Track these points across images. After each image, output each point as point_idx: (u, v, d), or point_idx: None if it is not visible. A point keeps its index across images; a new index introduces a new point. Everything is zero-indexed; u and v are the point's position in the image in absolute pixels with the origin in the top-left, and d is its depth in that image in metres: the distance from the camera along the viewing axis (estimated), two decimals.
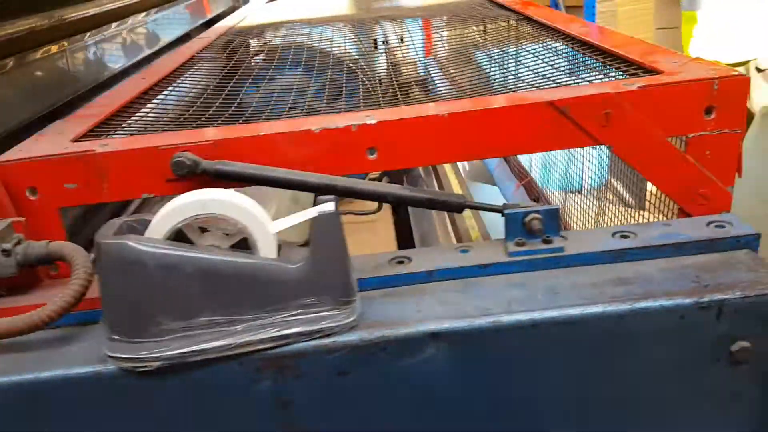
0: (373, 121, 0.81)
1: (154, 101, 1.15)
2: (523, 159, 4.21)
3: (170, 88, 1.22)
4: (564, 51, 1.14)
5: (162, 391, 0.72)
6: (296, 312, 0.70)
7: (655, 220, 1.02)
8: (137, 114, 1.06)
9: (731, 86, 0.80)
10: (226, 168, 0.79)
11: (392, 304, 0.76)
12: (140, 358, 0.69)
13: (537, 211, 0.80)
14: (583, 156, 5.46)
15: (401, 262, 0.82)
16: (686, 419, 0.75)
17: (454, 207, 0.82)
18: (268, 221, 0.70)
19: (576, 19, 1.37)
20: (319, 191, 0.79)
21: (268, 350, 0.70)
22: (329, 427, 0.75)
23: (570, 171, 4.53)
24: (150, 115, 1.05)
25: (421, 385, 0.73)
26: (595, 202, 5.91)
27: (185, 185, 0.80)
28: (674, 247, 0.79)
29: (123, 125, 0.99)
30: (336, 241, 0.69)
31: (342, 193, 0.80)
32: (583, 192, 5.57)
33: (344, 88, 1.19)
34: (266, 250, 0.70)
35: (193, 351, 0.69)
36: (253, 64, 1.55)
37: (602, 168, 5.07)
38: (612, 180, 6.34)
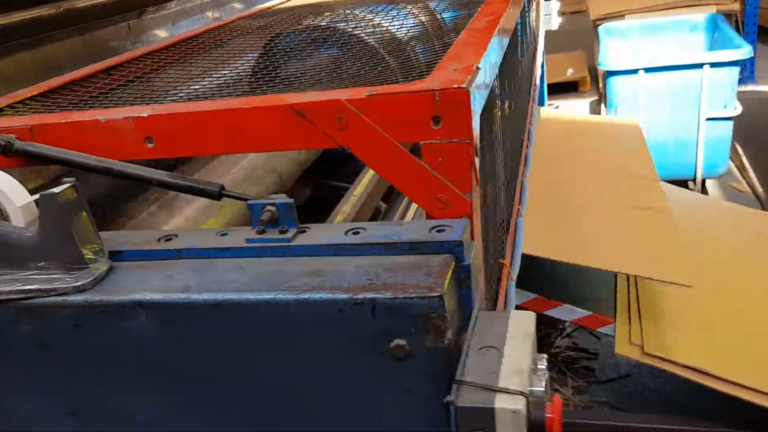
0: (145, 115, 0.93)
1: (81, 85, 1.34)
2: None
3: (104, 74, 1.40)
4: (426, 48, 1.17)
5: None
6: (35, 272, 0.85)
7: None
8: (51, 95, 1.25)
9: (452, 98, 0.82)
10: (31, 149, 0.95)
11: (135, 274, 0.89)
12: None
13: (273, 204, 0.88)
14: (699, 131, 5.07)
15: (169, 239, 0.94)
16: (364, 411, 0.81)
17: (211, 194, 0.92)
18: (18, 197, 0.86)
19: (487, 14, 1.37)
20: (98, 172, 0.94)
21: (21, 300, 0.87)
22: (79, 369, 0.90)
23: (679, 152, 4.25)
24: (58, 98, 1.24)
25: (139, 345, 0.86)
26: (718, 193, 5.42)
27: (12, 161, 0.98)
28: (385, 247, 0.84)
29: (24, 105, 1.19)
30: (59, 217, 0.83)
31: (117, 175, 0.94)
32: (696, 181, 5.16)
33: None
34: (16, 220, 0.86)
35: None
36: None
37: (723, 148, 4.65)
38: (745, 162, 5.75)
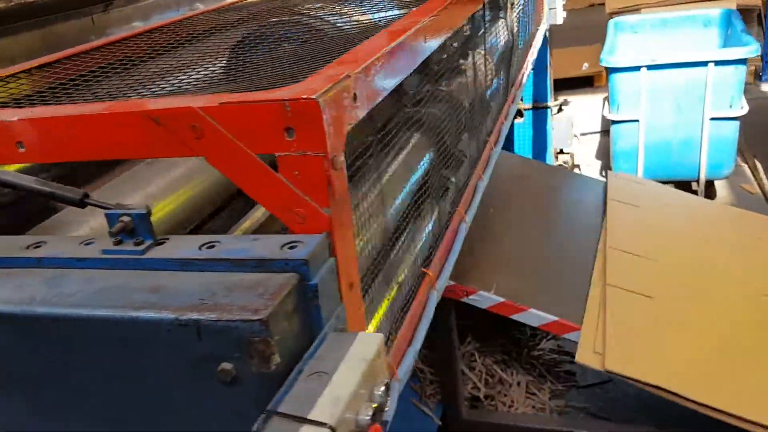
0: (15, 119, 0.91)
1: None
2: (631, 143, 3.86)
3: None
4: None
5: None
6: None
7: None
8: None
9: (302, 110, 0.79)
10: None
11: None
12: None
13: (127, 214, 0.86)
14: (703, 131, 4.88)
15: (38, 246, 0.93)
16: None
17: (73, 202, 0.90)
18: None
19: (415, 15, 1.32)
20: None
21: None
22: None
23: (682, 152, 4.10)
24: None
25: None
26: (727, 196, 5.29)
27: None
28: (233, 263, 0.81)
29: None
30: None
31: None
32: (700, 182, 5.05)
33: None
34: None
35: None
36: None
37: (729, 149, 4.47)
38: (757, 164, 5.58)
